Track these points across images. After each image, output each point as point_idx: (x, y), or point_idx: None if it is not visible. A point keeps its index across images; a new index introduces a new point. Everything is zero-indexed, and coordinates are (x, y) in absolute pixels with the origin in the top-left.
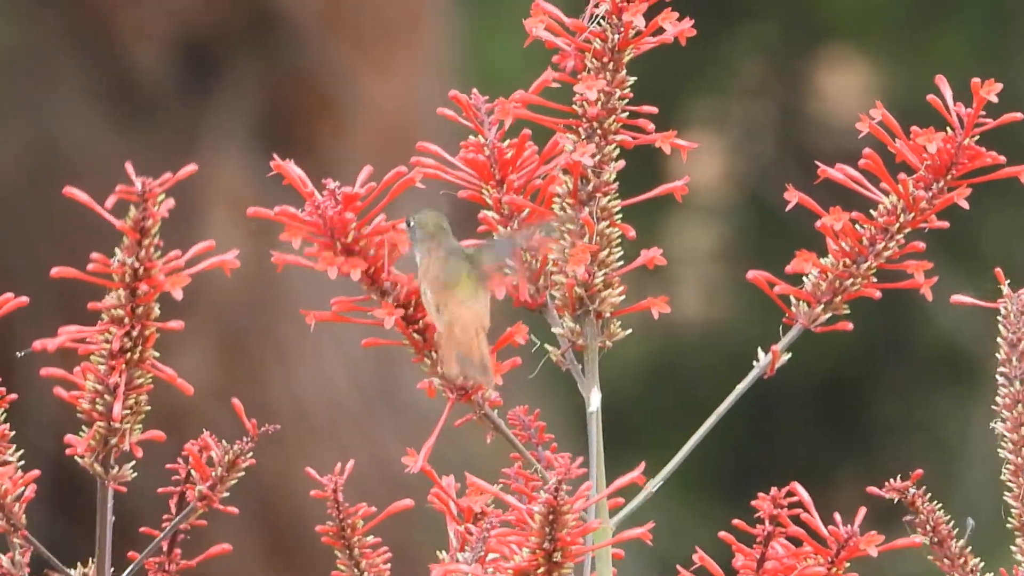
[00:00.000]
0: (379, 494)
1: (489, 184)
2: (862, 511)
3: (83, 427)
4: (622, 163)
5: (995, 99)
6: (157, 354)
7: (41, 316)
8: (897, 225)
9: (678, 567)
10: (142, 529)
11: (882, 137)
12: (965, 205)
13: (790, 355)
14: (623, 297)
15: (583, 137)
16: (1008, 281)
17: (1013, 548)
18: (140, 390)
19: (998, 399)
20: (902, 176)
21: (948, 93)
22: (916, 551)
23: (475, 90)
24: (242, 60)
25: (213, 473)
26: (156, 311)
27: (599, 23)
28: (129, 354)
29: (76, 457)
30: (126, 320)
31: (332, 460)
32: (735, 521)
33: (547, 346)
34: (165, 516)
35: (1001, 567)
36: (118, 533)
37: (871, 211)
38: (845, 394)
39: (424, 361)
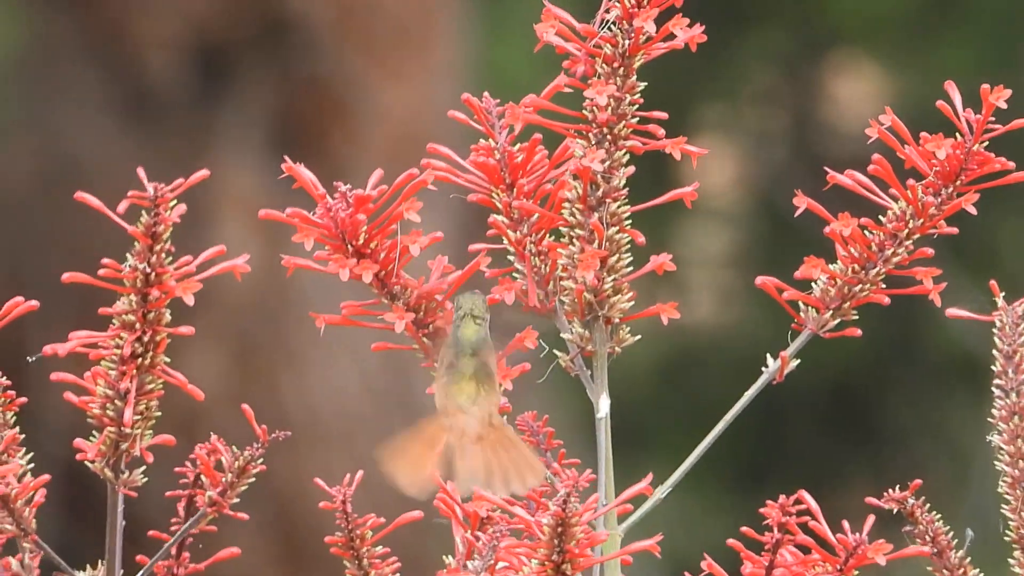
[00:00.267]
0: (389, 502)
1: (499, 188)
2: (871, 519)
3: (94, 432)
4: (632, 168)
5: (1004, 105)
6: (168, 359)
7: (52, 321)
8: (906, 231)
9: (686, 573)
10: (151, 533)
11: (891, 143)
12: (973, 211)
13: (799, 361)
14: (632, 303)
15: (593, 142)
16: (1003, 294)
17: (1011, 561)
18: (151, 395)
19: (994, 411)
20: (911, 182)
21: (957, 99)
22: (919, 558)
23: (486, 94)
24: (255, 66)
25: (223, 479)
26: (167, 316)
27: (610, 28)
28: (140, 359)
29: (86, 462)
30: (137, 325)
31: (343, 465)
32: (743, 528)
33: (556, 351)
34: (174, 520)
35: None
36: (128, 537)
37: (880, 217)
38: (856, 399)
39: (434, 366)
